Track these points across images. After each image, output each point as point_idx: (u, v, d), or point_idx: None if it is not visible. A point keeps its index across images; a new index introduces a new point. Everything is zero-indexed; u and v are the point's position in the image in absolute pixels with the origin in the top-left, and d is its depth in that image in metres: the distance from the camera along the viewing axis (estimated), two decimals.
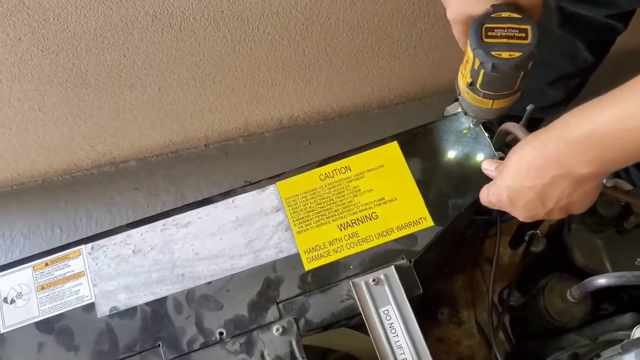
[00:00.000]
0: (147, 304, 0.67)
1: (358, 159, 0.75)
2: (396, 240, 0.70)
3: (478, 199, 0.70)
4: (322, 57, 1.30)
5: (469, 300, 1.08)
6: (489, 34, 0.58)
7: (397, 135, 0.76)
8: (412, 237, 0.70)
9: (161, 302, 0.67)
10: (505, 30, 0.58)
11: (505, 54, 0.57)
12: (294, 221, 0.71)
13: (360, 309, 0.66)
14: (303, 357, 0.64)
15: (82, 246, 0.71)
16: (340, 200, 0.72)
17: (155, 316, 0.67)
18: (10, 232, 1.40)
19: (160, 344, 0.65)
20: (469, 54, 0.60)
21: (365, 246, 0.70)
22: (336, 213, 0.71)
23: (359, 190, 0.73)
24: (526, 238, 0.88)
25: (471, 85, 0.62)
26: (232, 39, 1.15)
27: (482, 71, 0.59)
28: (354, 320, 0.70)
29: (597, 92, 0.52)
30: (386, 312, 0.66)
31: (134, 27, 1.05)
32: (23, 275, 0.69)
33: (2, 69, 1.06)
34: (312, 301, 0.67)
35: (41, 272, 0.69)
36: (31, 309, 0.67)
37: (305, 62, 1.29)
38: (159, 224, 0.72)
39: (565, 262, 0.83)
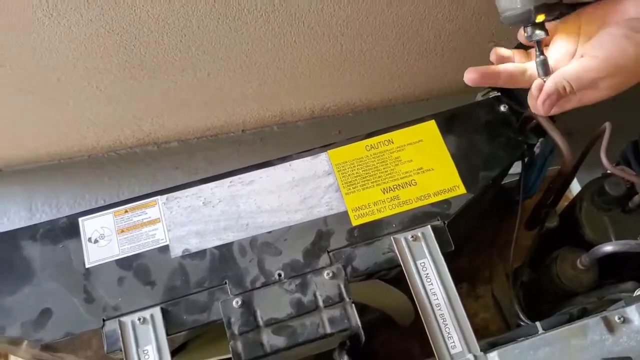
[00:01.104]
0: (215, 247, 0.77)
1: (400, 133, 0.85)
2: (432, 204, 0.80)
3: (504, 171, 0.80)
4: (357, 52, 1.40)
5: (486, 277, 1.18)
6: None
7: (435, 114, 0.86)
8: (446, 202, 0.80)
9: (227, 246, 0.77)
10: None
11: None
12: (342, 184, 0.81)
13: (400, 261, 0.76)
14: (350, 298, 0.73)
15: (158, 197, 0.81)
16: (384, 168, 0.82)
17: (223, 258, 0.77)
18: (57, 202, 1.51)
19: (227, 282, 0.75)
20: None
21: (405, 208, 0.79)
22: (380, 179, 0.82)
23: (400, 160, 0.83)
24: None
25: None
26: (279, 31, 1.26)
27: None
28: (393, 271, 0.80)
29: None
30: (422, 264, 0.76)
31: (194, 15, 1.16)
32: (105, 220, 0.79)
33: (71, 47, 1.17)
34: (358, 252, 0.77)
35: (121, 218, 0.80)
36: (112, 249, 0.78)
37: (342, 56, 1.40)
38: (226, 181, 0.82)
39: (575, 238, 0.93)
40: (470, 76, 0.73)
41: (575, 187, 1.14)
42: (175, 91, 1.38)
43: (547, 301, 0.94)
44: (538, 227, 0.99)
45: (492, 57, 0.77)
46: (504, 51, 0.78)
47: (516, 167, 0.92)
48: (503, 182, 0.98)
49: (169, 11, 1.13)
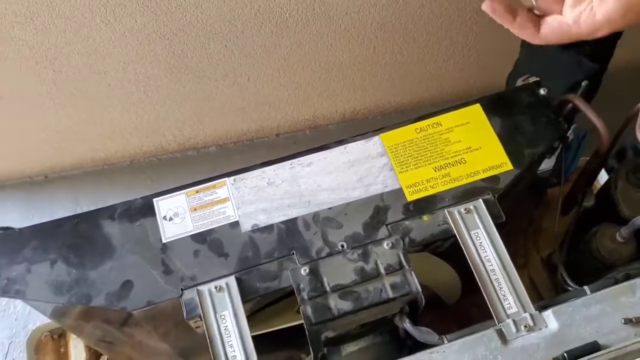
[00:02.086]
0: (281, 222, 0.83)
1: (447, 117, 0.91)
2: (482, 180, 0.85)
3: (547, 149, 0.86)
4: (389, 54, 1.47)
5: (521, 263, 1.22)
6: None
7: (479, 99, 0.92)
8: (495, 178, 0.85)
9: (293, 221, 0.83)
10: None
11: None
12: (396, 164, 0.87)
13: (455, 231, 0.81)
14: (409, 266, 0.79)
15: (226, 178, 0.87)
16: (434, 149, 0.88)
17: (289, 232, 0.82)
18: (104, 205, 1.57)
19: (294, 253, 0.81)
20: None
21: (457, 184, 0.85)
22: (431, 158, 0.87)
23: (449, 141, 0.89)
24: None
25: None
26: (317, 34, 1.33)
27: None
28: (447, 242, 0.86)
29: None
30: (476, 234, 0.81)
31: (239, 20, 1.23)
32: (178, 200, 0.86)
33: (123, 52, 1.24)
34: (414, 224, 0.83)
35: (193, 197, 0.86)
36: (186, 225, 0.83)
37: (374, 58, 1.47)
38: (287, 163, 0.88)
39: (612, 216, 0.98)
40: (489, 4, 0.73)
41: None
42: (217, 96, 1.45)
43: (588, 276, 0.98)
44: (575, 208, 1.04)
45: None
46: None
47: (544, 164, 0.99)
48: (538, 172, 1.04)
49: (217, 16, 1.20)
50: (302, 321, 0.87)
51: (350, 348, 0.92)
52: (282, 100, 1.53)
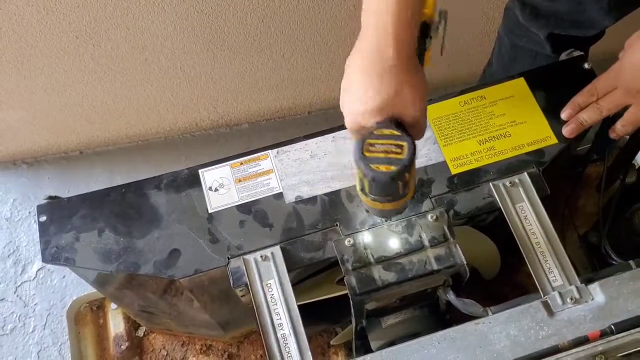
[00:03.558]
0: (325, 194, 0.84)
1: (491, 90, 0.90)
2: (527, 154, 0.85)
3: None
4: None
5: None
6: (370, 148, 0.64)
7: (523, 72, 0.91)
8: (540, 151, 0.85)
9: (336, 193, 0.84)
10: (385, 146, 0.64)
11: (382, 167, 0.63)
12: (439, 137, 0.87)
13: (500, 205, 0.81)
14: (454, 238, 0.79)
15: (269, 151, 0.88)
16: (478, 122, 0.88)
17: (332, 203, 0.83)
18: None
19: (338, 224, 0.81)
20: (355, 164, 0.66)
21: (501, 157, 0.85)
22: (475, 131, 0.87)
23: (494, 114, 0.88)
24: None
25: (362, 190, 0.69)
26: (354, 8, 1.32)
27: (367, 181, 0.66)
28: (491, 216, 0.85)
29: None
30: (521, 207, 0.81)
31: None
32: (223, 171, 0.86)
33: (161, 27, 1.25)
34: (459, 197, 0.83)
35: (237, 169, 0.86)
36: (232, 196, 0.84)
37: None
38: (329, 136, 0.88)
39: None
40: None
41: None
42: (251, 72, 1.45)
43: (629, 252, 0.98)
44: (618, 184, 1.03)
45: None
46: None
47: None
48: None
49: None
50: (342, 292, 0.89)
51: (390, 320, 0.93)
52: (315, 78, 1.52)
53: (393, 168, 0.63)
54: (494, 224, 0.92)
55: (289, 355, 0.73)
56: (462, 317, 0.84)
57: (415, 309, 0.93)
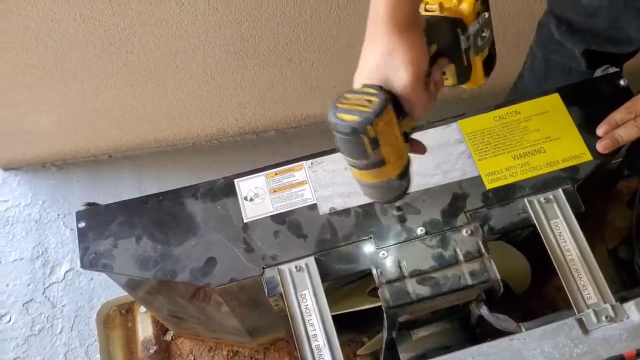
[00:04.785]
0: (358, 206, 0.84)
1: (526, 105, 0.90)
2: (561, 170, 0.85)
3: None
4: None
5: None
6: (343, 101, 0.62)
7: (558, 88, 0.91)
8: (574, 168, 0.85)
9: (370, 205, 0.84)
10: (356, 100, 0.62)
11: (346, 117, 0.61)
12: (474, 151, 0.87)
13: (534, 221, 0.81)
14: (488, 253, 0.79)
15: (304, 162, 0.89)
16: (513, 137, 0.88)
17: (366, 216, 0.84)
18: (166, 186, 1.59)
19: (372, 236, 0.82)
20: None
21: (536, 173, 0.85)
22: (510, 146, 0.87)
23: (528, 129, 0.88)
24: None
25: (342, 154, 0.66)
26: None
27: (335, 134, 0.63)
28: (525, 231, 0.86)
29: None
30: (555, 223, 0.81)
31: (309, 4, 1.24)
32: (258, 181, 0.87)
33: (194, 35, 1.27)
34: (493, 212, 0.83)
35: (272, 179, 0.87)
36: (266, 206, 0.85)
37: None
38: None
39: None
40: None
41: None
42: (280, 81, 1.46)
43: None
44: None
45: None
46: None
47: None
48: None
49: (287, 1, 1.21)
50: (375, 305, 0.89)
51: (420, 333, 0.93)
52: (343, 87, 1.53)
53: (357, 119, 0.60)
54: (526, 239, 0.92)
55: None
56: (492, 332, 0.85)
57: (446, 322, 0.93)
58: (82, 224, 0.85)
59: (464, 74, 0.74)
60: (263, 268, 0.80)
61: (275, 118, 1.61)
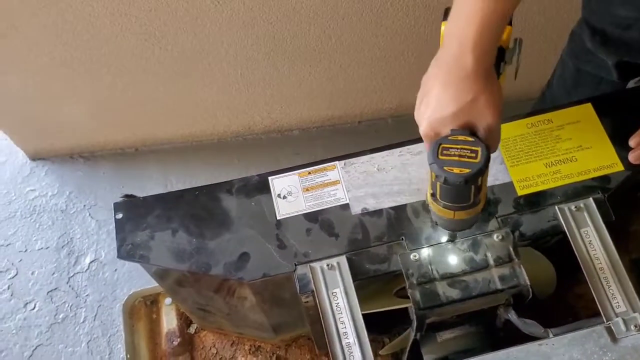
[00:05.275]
0: (391, 208, 0.86)
1: (558, 114, 0.91)
2: (593, 179, 0.86)
3: None
4: None
5: None
6: (444, 152, 0.65)
7: (590, 98, 0.92)
8: (605, 177, 0.86)
9: (402, 208, 0.85)
10: (459, 151, 0.65)
11: (456, 170, 0.64)
12: (507, 157, 0.88)
13: (565, 228, 0.82)
14: (519, 258, 0.80)
15: (337, 162, 0.90)
16: (545, 145, 0.89)
17: (398, 217, 0.85)
18: (191, 180, 1.63)
19: (404, 238, 0.83)
20: (429, 168, 0.67)
21: (567, 181, 0.86)
22: (542, 154, 0.88)
23: (560, 138, 0.89)
24: None
25: (433, 196, 0.70)
26: (415, 24, 1.34)
27: (438, 184, 0.67)
28: (554, 238, 0.86)
29: None
30: (585, 232, 0.82)
31: (341, 6, 1.25)
32: (291, 179, 0.89)
33: (227, 34, 1.28)
34: (524, 219, 0.84)
35: (305, 178, 0.89)
36: (299, 204, 0.87)
37: None
38: (396, 151, 0.90)
39: None
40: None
41: None
42: (308, 81, 1.48)
43: None
44: None
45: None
46: None
47: None
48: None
49: (321, 2, 1.23)
50: (405, 305, 0.90)
51: (446, 335, 0.94)
52: (369, 89, 1.55)
53: (467, 170, 0.64)
54: (554, 247, 0.93)
55: None
56: (516, 336, 0.86)
57: (471, 325, 0.94)
58: (119, 215, 0.87)
59: None
60: (295, 265, 0.82)
61: (300, 117, 1.63)
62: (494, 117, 0.68)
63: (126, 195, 0.88)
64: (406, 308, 0.96)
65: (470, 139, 0.66)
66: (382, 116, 1.69)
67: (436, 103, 0.68)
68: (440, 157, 0.65)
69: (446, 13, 0.73)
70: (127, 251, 0.84)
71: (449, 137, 0.66)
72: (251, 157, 1.65)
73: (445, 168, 0.65)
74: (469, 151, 0.65)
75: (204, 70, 1.39)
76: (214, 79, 1.42)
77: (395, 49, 1.40)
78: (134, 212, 0.87)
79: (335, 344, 0.76)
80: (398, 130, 1.68)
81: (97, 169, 1.67)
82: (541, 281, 0.98)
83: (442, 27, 0.72)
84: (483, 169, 0.65)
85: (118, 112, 1.51)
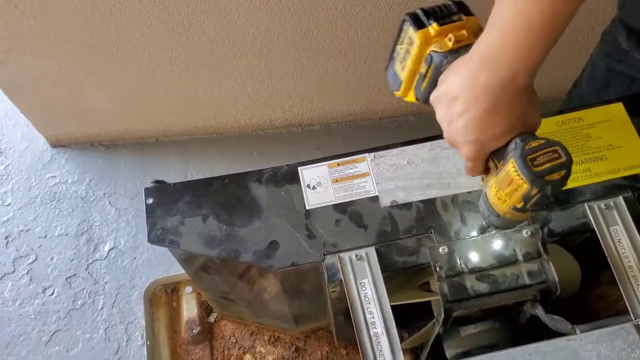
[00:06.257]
0: (420, 201, 0.86)
1: (588, 112, 0.91)
2: (623, 178, 0.86)
3: None
4: None
5: None
6: (535, 163, 0.64)
7: (621, 97, 0.92)
8: (636, 177, 0.86)
9: (431, 201, 0.86)
10: (545, 156, 0.64)
11: (555, 176, 0.64)
12: None
13: (594, 226, 0.82)
14: (547, 254, 0.80)
15: (366, 154, 0.90)
16: (575, 143, 0.89)
17: (427, 211, 0.85)
18: (211, 172, 1.63)
19: (432, 231, 0.83)
20: (519, 183, 0.65)
21: (597, 179, 0.86)
22: (572, 152, 0.85)
23: (590, 136, 0.89)
24: None
25: (521, 208, 0.67)
26: None
27: (538, 195, 0.65)
28: (582, 236, 0.87)
29: None
30: (615, 230, 0.82)
31: (369, 1, 1.25)
32: (321, 170, 0.89)
33: (254, 26, 1.29)
34: (554, 216, 0.84)
35: (335, 169, 0.89)
36: (328, 195, 0.87)
37: None
38: (426, 145, 0.90)
39: None
40: None
41: None
42: (331, 75, 1.48)
43: None
44: None
45: None
46: None
47: None
48: None
49: None
50: (433, 298, 0.91)
51: (469, 330, 0.94)
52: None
53: (564, 173, 0.64)
54: (580, 245, 0.93)
55: (381, 353, 0.76)
56: (539, 333, 0.86)
57: (495, 320, 0.94)
58: (150, 200, 0.87)
59: None
60: (324, 254, 0.82)
61: (321, 112, 1.63)
62: (539, 119, 0.70)
63: (156, 181, 0.89)
64: (427, 304, 0.97)
65: (542, 141, 0.65)
66: (404, 113, 1.69)
67: (483, 124, 0.66)
68: (534, 170, 0.64)
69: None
70: (157, 236, 0.85)
71: (526, 147, 0.64)
72: (271, 150, 1.65)
73: (546, 178, 0.64)
74: (551, 153, 0.65)
75: (229, 62, 1.39)
76: (238, 71, 1.43)
77: None
78: (164, 198, 0.88)
79: (364, 333, 0.77)
80: (419, 128, 1.68)
81: (118, 157, 1.68)
82: (566, 279, 0.98)
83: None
84: (572, 161, 0.65)
85: (140, 101, 1.51)
